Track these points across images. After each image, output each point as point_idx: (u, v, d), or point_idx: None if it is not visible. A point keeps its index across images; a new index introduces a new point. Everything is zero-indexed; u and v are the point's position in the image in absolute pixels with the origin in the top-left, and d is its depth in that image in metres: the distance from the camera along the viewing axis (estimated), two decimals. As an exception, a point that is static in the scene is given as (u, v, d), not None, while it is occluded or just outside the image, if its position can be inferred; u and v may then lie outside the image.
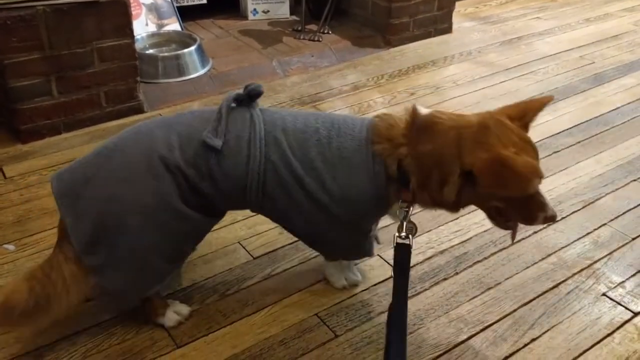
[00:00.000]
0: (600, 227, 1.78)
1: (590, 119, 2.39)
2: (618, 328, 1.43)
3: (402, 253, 1.24)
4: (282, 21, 3.24)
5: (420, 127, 1.22)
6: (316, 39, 3.03)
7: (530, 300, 1.51)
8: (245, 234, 1.71)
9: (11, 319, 1.21)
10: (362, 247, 1.42)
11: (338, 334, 1.41)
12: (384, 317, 1.44)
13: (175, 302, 1.44)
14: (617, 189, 1.94)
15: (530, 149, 1.18)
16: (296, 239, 1.56)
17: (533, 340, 1.40)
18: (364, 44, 3.05)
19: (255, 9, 3.27)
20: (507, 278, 1.57)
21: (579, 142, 2.23)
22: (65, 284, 1.24)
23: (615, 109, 2.48)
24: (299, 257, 1.63)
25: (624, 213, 1.84)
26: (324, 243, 1.42)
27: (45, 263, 1.26)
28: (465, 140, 1.16)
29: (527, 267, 1.61)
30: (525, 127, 1.22)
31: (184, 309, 1.43)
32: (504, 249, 1.68)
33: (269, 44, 2.97)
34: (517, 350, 1.37)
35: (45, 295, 1.22)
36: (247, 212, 1.39)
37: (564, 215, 1.82)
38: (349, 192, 1.26)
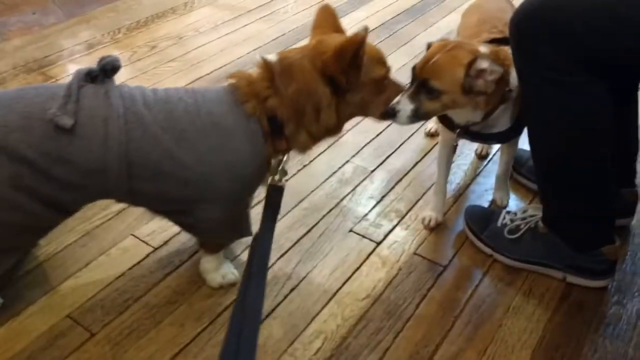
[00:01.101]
0: (344, 164, 1.90)
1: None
2: (365, 260, 1.56)
3: (276, 194, 1.26)
4: (-10, -27, 2.80)
5: (279, 73, 1.22)
6: (36, -8, 2.67)
7: (287, 251, 1.56)
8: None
9: None
10: (244, 223, 1.38)
11: (94, 332, 1.32)
12: (144, 301, 1.39)
13: None
14: (356, 125, 2.07)
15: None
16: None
17: (292, 290, 1.46)
18: (95, -5, 2.78)
19: (-47, -40, 2.76)
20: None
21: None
22: None
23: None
24: (42, 256, 1.47)
25: (362, 147, 1.98)
26: (203, 222, 1.29)
27: None
28: (317, 60, 1.22)
29: (282, 217, 1.66)
30: None
31: None
32: (259, 202, 1.70)
33: (-23, 2, 2.55)
34: (279, 304, 1.42)
35: None
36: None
37: (312, 159, 1.90)
38: (231, 159, 1.22)
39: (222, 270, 1.44)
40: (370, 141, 2.01)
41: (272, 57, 1.26)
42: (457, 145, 1.60)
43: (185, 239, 1.56)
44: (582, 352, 1.35)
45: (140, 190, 1.21)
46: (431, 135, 2.06)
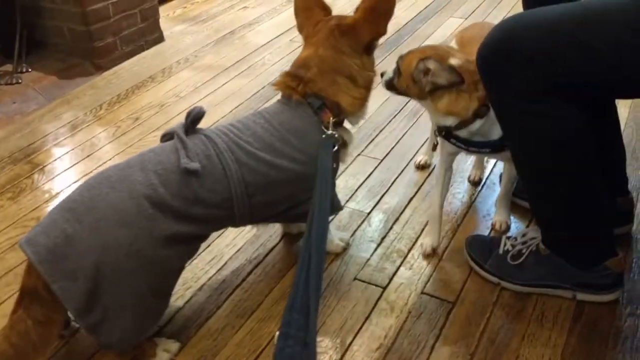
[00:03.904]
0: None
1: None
2: (373, 308, 1.54)
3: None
4: (-32, 69, 2.83)
5: (296, 68, 1.50)
6: (14, 81, 2.71)
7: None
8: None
9: None
10: (337, 199, 1.60)
11: None
12: None
13: (162, 339, 1.43)
14: (346, 168, 2.07)
15: None
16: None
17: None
18: (73, 75, 2.81)
19: None
20: (267, 295, 1.59)
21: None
22: (36, 349, 1.23)
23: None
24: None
25: (356, 190, 1.98)
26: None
27: (10, 332, 1.21)
28: (333, 38, 1.50)
29: (283, 277, 1.65)
30: None
31: (173, 346, 1.42)
32: (259, 263, 1.70)
33: (-41, 100, 2.58)
34: None
35: None
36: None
37: (306, 210, 1.89)
38: (311, 150, 1.42)
39: (333, 236, 1.69)
40: (362, 183, 2.01)
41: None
42: (452, 163, 1.70)
43: (191, 312, 1.54)
44: (604, 372, 1.33)
45: (258, 203, 1.40)
46: (421, 167, 2.07)
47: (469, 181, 1.99)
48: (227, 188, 1.34)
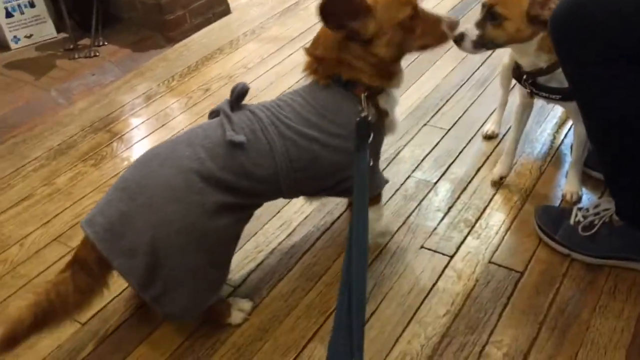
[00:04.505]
0: (406, 180, 1.91)
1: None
2: (440, 276, 1.56)
3: (363, 126, 1.38)
4: (50, 43, 2.98)
5: (312, 47, 1.42)
6: (92, 54, 2.83)
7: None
8: (67, 301, 1.58)
9: (10, 348, 1.23)
10: (380, 176, 1.56)
11: (189, 377, 1.38)
12: (231, 342, 1.44)
13: (236, 299, 1.51)
14: (412, 139, 2.08)
15: None
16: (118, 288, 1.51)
17: (372, 314, 1.48)
18: (145, 47, 2.91)
19: (15, 36, 2.96)
20: (334, 260, 1.64)
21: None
22: (68, 312, 1.29)
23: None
24: (130, 309, 1.55)
25: (422, 160, 1.98)
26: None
27: (52, 288, 1.27)
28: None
29: (351, 243, 1.68)
30: None
31: (246, 305, 1.50)
32: (326, 230, 1.74)
33: (42, 72, 2.72)
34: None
35: (44, 321, 1.26)
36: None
37: (373, 179, 1.92)
38: (351, 125, 1.38)
39: (384, 220, 1.67)
40: (429, 153, 2.01)
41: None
42: (532, 102, 1.71)
43: (263, 274, 1.61)
44: (679, 345, 1.30)
45: (303, 178, 1.40)
46: (489, 137, 2.04)
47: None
48: (272, 163, 1.34)
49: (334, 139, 1.39)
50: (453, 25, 1.41)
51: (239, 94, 1.40)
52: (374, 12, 1.32)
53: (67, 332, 1.49)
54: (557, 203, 1.75)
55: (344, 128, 1.39)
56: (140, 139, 2.28)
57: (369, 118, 1.39)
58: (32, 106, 2.50)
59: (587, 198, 1.75)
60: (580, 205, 1.65)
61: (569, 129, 2.01)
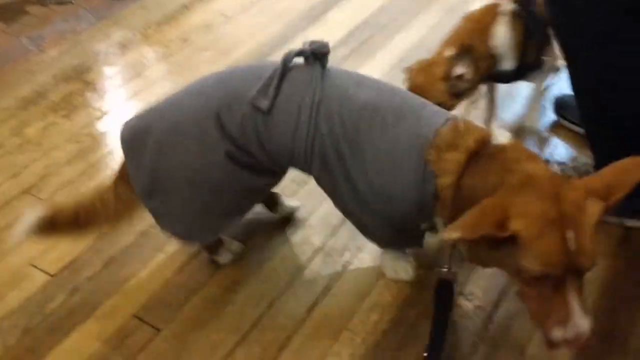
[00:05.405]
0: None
1: (359, 24, 2.46)
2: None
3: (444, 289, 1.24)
4: (20, -12, 2.86)
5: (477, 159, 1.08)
6: (66, 0, 2.72)
7: (338, 228, 1.57)
8: (36, 252, 1.55)
9: (47, 232, 1.30)
10: (401, 241, 1.36)
11: (160, 329, 1.36)
12: (204, 293, 1.43)
13: (230, 240, 1.50)
14: (393, 91, 2.03)
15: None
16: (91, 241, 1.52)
17: (346, 266, 1.47)
18: (121, -6, 2.80)
19: (-16, -19, 2.83)
20: (312, 213, 1.62)
21: (353, 50, 2.29)
22: (108, 219, 1.35)
23: (379, 8, 2.56)
24: (101, 260, 1.53)
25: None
26: (360, 227, 1.34)
27: (96, 195, 1.33)
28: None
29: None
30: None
31: (235, 246, 1.50)
32: (306, 185, 1.71)
33: (13, 19, 2.61)
34: (335, 281, 1.44)
35: (85, 222, 1.33)
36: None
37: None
38: (389, 191, 1.17)
39: (398, 264, 1.42)
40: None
41: (501, 137, 1.11)
42: None
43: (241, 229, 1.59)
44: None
45: (317, 176, 1.27)
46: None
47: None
48: (289, 146, 1.21)
49: (362, 183, 1.19)
50: (579, 336, 0.98)
51: (316, 50, 1.20)
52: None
53: (36, 283, 1.47)
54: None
55: (385, 189, 1.17)
56: (114, 89, 2.21)
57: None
58: (1, 54, 2.41)
59: (565, 153, 1.73)
60: (559, 160, 1.64)
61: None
